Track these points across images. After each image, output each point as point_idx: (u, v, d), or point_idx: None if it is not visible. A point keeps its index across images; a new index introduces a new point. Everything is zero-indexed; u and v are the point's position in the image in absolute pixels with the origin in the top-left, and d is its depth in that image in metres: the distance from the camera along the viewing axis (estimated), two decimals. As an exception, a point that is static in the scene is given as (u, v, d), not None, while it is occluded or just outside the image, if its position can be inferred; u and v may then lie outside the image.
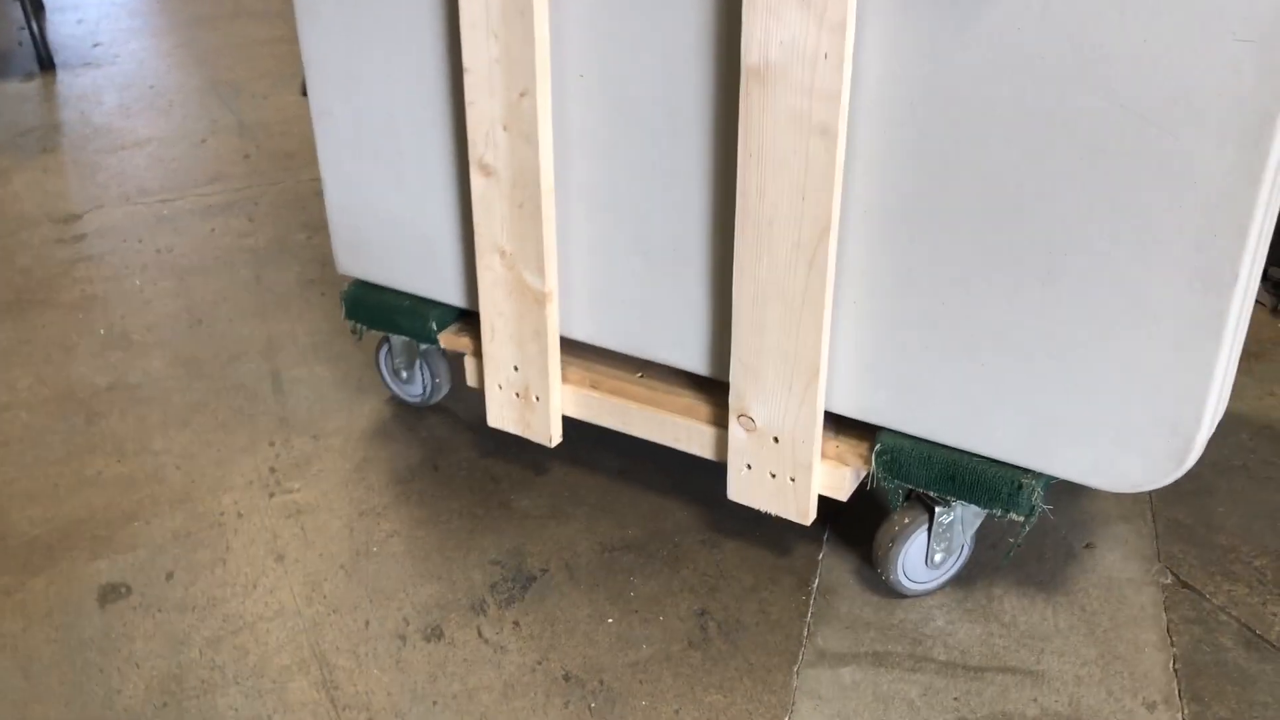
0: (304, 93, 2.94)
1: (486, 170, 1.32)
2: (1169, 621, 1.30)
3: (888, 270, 1.16)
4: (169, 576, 1.38)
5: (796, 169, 1.12)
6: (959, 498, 1.22)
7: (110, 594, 1.36)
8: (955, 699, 1.21)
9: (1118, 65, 0.98)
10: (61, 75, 3.09)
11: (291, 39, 3.37)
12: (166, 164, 2.55)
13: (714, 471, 1.53)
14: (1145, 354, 1.07)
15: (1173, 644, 1.27)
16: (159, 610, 1.33)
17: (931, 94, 1.06)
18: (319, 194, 2.39)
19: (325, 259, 2.13)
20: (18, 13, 3.60)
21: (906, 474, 1.23)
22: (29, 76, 3.08)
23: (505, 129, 1.28)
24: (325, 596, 1.35)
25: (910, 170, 1.10)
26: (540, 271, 1.35)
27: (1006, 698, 1.21)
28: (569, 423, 1.47)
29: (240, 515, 1.48)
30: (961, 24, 1.03)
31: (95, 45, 3.34)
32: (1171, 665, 1.25)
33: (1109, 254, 1.05)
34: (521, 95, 1.25)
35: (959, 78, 1.05)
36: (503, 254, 1.37)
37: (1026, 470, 1.19)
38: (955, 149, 1.07)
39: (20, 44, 3.33)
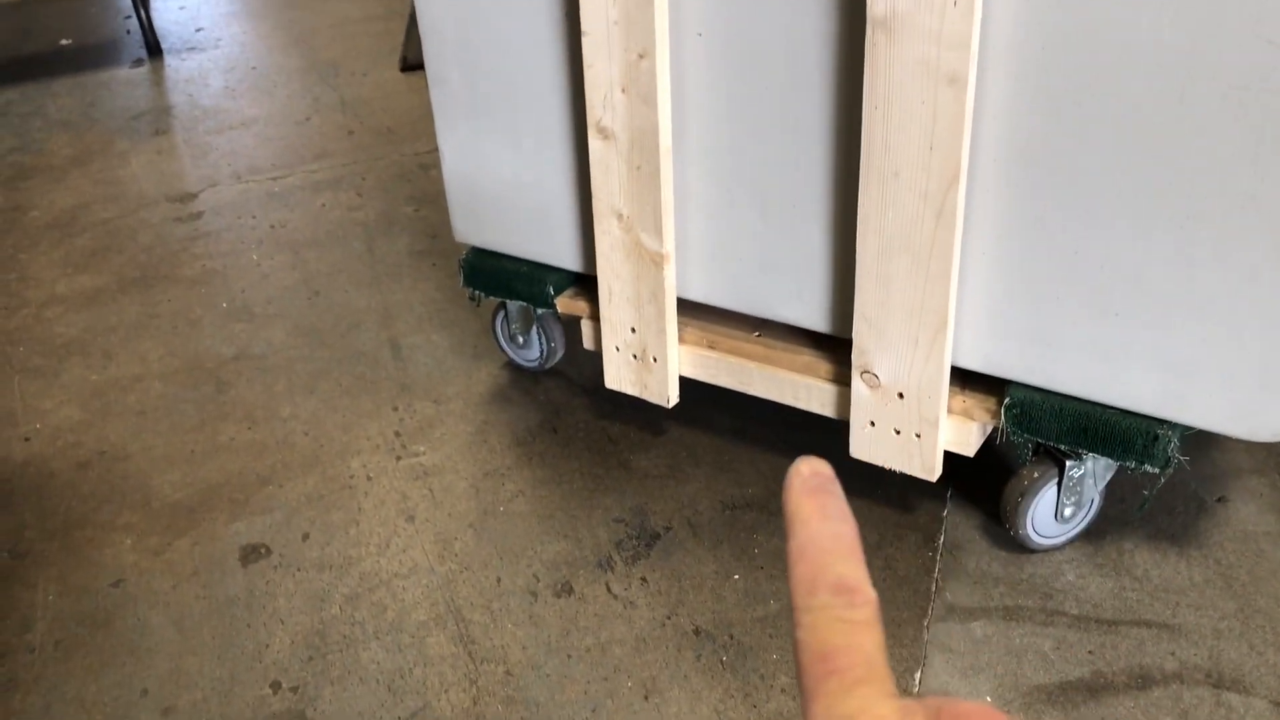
0: (403, 68, 2.99)
1: (604, 133, 1.33)
2: (1310, 575, 1.27)
3: (1017, 219, 1.14)
4: (305, 537, 1.43)
5: (924, 119, 1.11)
6: (1091, 451, 1.20)
7: (251, 554, 1.41)
8: (1090, 652, 1.20)
9: (1265, -1, 0.95)
10: (169, 60, 3.18)
11: (386, 17, 3.42)
12: (274, 142, 2.61)
13: (831, 429, 1.53)
14: (1292, 298, 1.04)
15: (1315, 598, 1.24)
16: (298, 569, 1.38)
17: (1063, 36, 1.04)
18: (423, 167, 2.43)
19: (434, 230, 2.16)
20: (125, 2, 3.71)
21: (1037, 428, 1.22)
22: (138, 63, 3.18)
23: (623, 91, 1.29)
24: (456, 554, 1.38)
25: (1041, 116, 1.09)
26: (658, 233, 1.36)
27: (1143, 651, 1.19)
28: (684, 383, 1.49)
29: (369, 478, 1.52)
30: (1097, -37, 1.00)
31: (198, 30, 3.43)
32: (1315, 619, 1.22)
33: (1253, 195, 1.02)
34: (640, 57, 1.26)
35: (1092, 18, 1.02)
36: (620, 217, 1.38)
37: (1162, 421, 1.17)
38: (1088, 92, 1.05)
39: (129, 32, 3.43)
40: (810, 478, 0.30)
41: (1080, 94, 1.06)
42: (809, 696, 0.27)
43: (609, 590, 1.31)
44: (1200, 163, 1.03)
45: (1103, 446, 1.19)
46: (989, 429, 1.29)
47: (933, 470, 1.29)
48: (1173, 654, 1.19)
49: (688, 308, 1.47)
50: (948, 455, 1.30)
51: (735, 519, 1.41)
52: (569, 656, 1.23)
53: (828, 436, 1.53)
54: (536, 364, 1.70)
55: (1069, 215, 1.11)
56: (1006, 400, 1.22)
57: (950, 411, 1.27)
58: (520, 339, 1.67)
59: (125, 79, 3.07)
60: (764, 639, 1.24)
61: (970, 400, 1.27)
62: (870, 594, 0.28)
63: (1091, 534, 1.34)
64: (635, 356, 1.46)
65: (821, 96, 1.20)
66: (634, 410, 1.62)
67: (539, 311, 1.63)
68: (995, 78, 1.09)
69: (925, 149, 1.12)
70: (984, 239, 1.17)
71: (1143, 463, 1.18)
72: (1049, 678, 1.17)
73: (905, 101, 1.11)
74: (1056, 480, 1.27)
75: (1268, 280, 1.05)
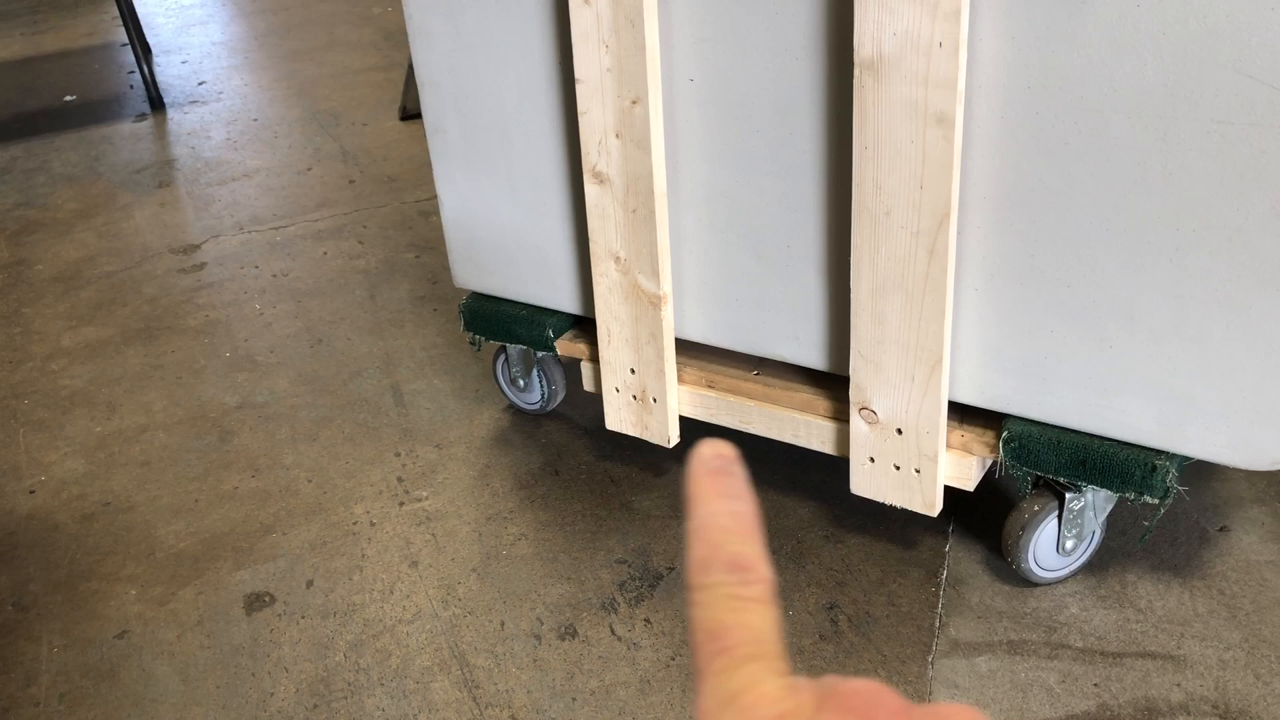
0: (403, 117, 3.02)
1: (600, 178, 1.35)
2: (1314, 603, 1.27)
3: (1009, 255, 1.16)
4: (309, 584, 1.43)
5: (913, 159, 1.12)
6: (1090, 483, 1.21)
7: (255, 602, 1.41)
8: (1095, 685, 1.19)
9: (1243, 35, 0.97)
10: (171, 114, 3.22)
11: (386, 67, 3.47)
12: (276, 193, 2.64)
13: (831, 466, 1.53)
14: (1283, 327, 1.05)
15: (1320, 626, 1.24)
16: (302, 617, 1.38)
17: (1048, 76, 1.06)
18: (423, 214, 2.46)
19: (434, 276, 2.18)
20: (128, 57, 3.76)
21: (1035, 461, 1.22)
22: (141, 117, 3.22)
23: (617, 136, 1.31)
24: (460, 599, 1.38)
25: (1029, 153, 1.10)
26: (655, 275, 1.37)
27: (1149, 683, 1.19)
28: (685, 423, 1.49)
29: (373, 524, 1.53)
30: (1078, 5, 1.02)
31: (200, 84, 3.47)
32: (1320, 647, 1.21)
33: (1241, 227, 1.03)
34: (633, 103, 1.28)
35: (1076, 59, 1.04)
36: (617, 260, 1.39)
37: (1160, 452, 1.17)
38: (1074, 129, 1.07)
39: (131, 87, 3.48)
40: (712, 459, 0.30)
41: (1066, 132, 1.07)
42: (699, 675, 0.26)
43: (613, 632, 1.32)
44: (1185, 197, 1.04)
45: (1101, 478, 1.20)
46: (988, 463, 1.29)
47: (933, 505, 1.29)
48: (1178, 685, 1.18)
49: (686, 348, 1.48)
50: (948, 490, 1.30)
51: (738, 558, 1.41)
52: (574, 700, 1.23)
53: (828, 473, 1.53)
54: (538, 407, 1.71)
55: (1059, 250, 1.13)
56: (1004, 434, 1.23)
57: (949, 446, 1.28)
58: (521, 382, 1.69)
59: (129, 133, 3.10)
60: (769, 678, 1.24)
61: (968, 434, 1.27)
62: (764, 572, 0.28)
63: (1094, 566, 1.34)
64: (635, 397, 1.47)
65: (812, 138, 1.22)
66: (635, 451, 1.62)
67: (539, 354, 1.64)
68: (983, 117, 1.11)
69: (915, 188, 1.13)
70: (976, 275, 1.18)
71: (1142, 494, 1.18)
72: (1055, 712, 1.17)
73: (894, 142, 1.12)
74: (1057, 513, 1.27)
75: (1256, 310, 1.06)
